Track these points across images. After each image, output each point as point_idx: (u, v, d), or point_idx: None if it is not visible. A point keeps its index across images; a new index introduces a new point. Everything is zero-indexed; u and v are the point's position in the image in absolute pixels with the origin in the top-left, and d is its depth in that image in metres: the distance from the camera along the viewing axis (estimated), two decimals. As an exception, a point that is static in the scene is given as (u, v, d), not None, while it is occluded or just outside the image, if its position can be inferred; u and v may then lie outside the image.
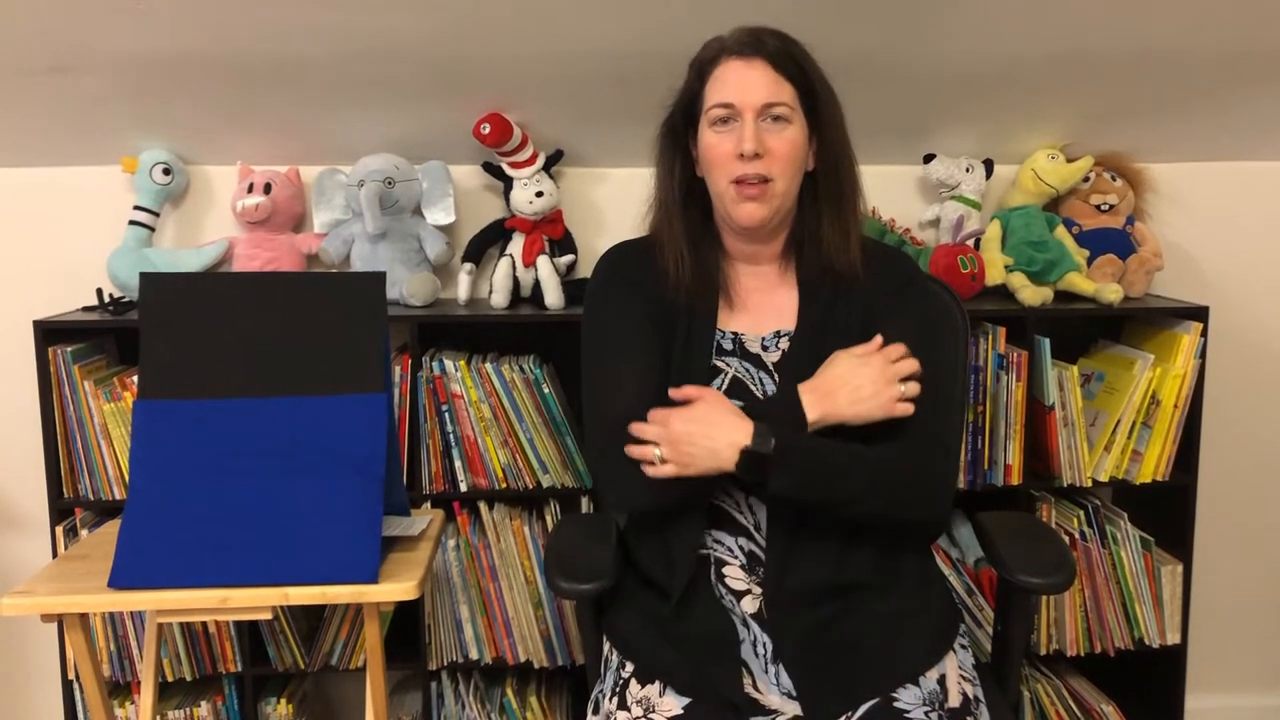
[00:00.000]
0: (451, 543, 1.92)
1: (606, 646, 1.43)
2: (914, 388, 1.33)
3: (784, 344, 1.41)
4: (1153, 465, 1.99)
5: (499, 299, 2.00)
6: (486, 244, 2.07)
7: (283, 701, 2.02)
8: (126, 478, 1.87)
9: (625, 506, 1.42)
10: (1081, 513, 1.98)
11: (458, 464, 1.91)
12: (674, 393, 1.32)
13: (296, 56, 1.80)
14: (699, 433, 1.27)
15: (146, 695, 1.57)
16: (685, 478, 1.27)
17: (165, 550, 1.32)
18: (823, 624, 1.31)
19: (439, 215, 2.04)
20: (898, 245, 2.04)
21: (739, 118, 1.34)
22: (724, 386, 1.38)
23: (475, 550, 1.93)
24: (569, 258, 2.05)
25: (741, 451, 1.25)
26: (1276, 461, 2.31)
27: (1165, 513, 2.05)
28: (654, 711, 1.27)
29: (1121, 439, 1.98)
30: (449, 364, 1.88)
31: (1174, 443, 1.99)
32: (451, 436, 1.90)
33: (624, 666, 1.36)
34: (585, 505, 1.94)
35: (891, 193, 2.16)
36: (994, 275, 2.04)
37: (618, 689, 1.33)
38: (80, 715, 1.96)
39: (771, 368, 1.40)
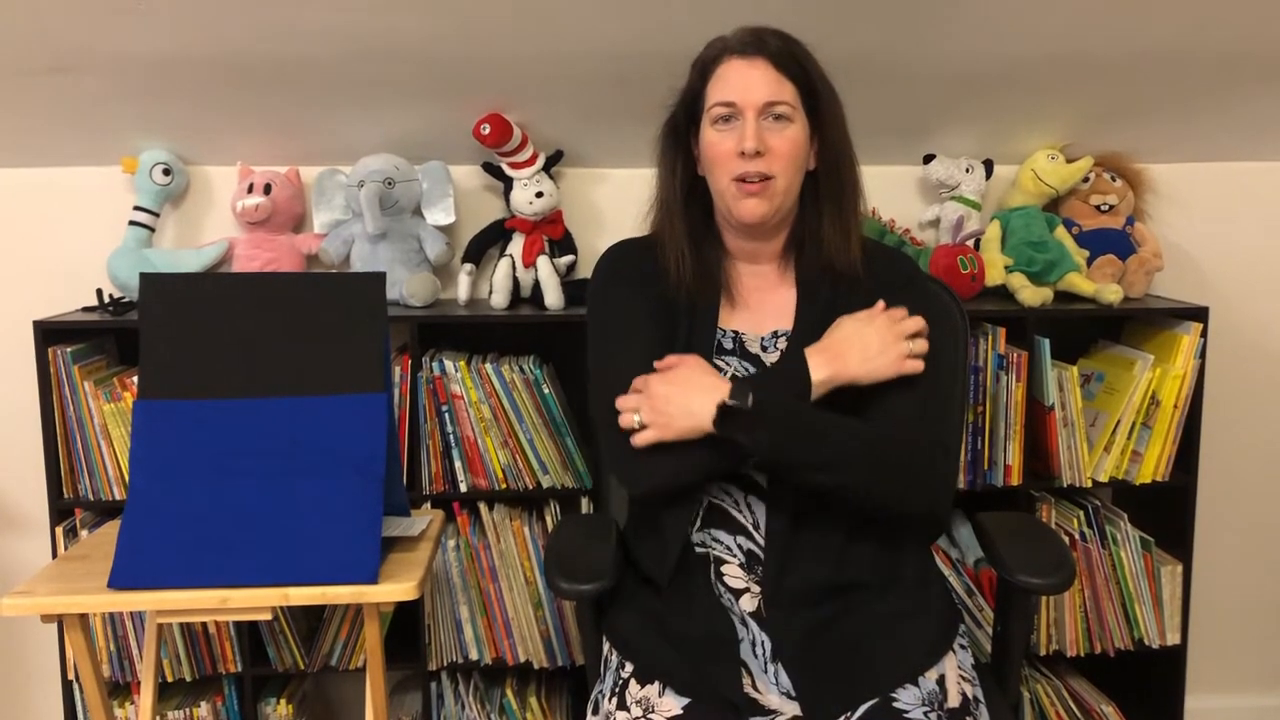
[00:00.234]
0: (451, 543, 1.92)
1: (606, 647, 1.43)
2: (922, 344, 1.34)
3: (782, 344, 1.41)
4: (1152, 465, 1.99)
5: (499, 299, 2.00)
6: (486, 244, 2.07)
7: (282, 702, 2.02)
8: (126, 478, 1.86)
9: (636, 490, 1.40)
10: (1081, 513, 1.98)
11: (458, 464, 1.91)
12: (658, 364, 1.33)
13: (296, 57, 1.81)
14: (677, 393, 1.28)
15: (146, 696, 1.57)
16: (672, 445, 1.27)
17: (165, 550, 1.32)
18: (822, 624, 1.31)
19: (439, 215, 2.04)
20: (898, 245, 2.04)
21: (740, 116, 1.34)
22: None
23: (475, 551, 1.93)
24: (569, 258, 2.06)
25: (719, 407, 1.26)
26: (1276, 461, 2.31)
27: (1165, 513, 2.05)
28: (653, 712, 1.27)
29: (1121, 439, 1.98)
30: (449, 364, 1.88)
31: (1174, 443, 1.99)
32: (451, 437, 1.90)
33: (623, 667, 1.36)
34: (585, 505, 1.94)
35: (891, 193, 2.16)
36: (994, 276, 2.04)
37: (617, 689, 1.33)
38: (80, 716, 1.96)
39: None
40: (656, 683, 1.30)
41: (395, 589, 1.33)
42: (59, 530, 1.90)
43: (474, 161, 2.07)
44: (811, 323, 1.41)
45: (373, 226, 1.95)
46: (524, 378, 1.89)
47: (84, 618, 1.41)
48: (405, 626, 1.96)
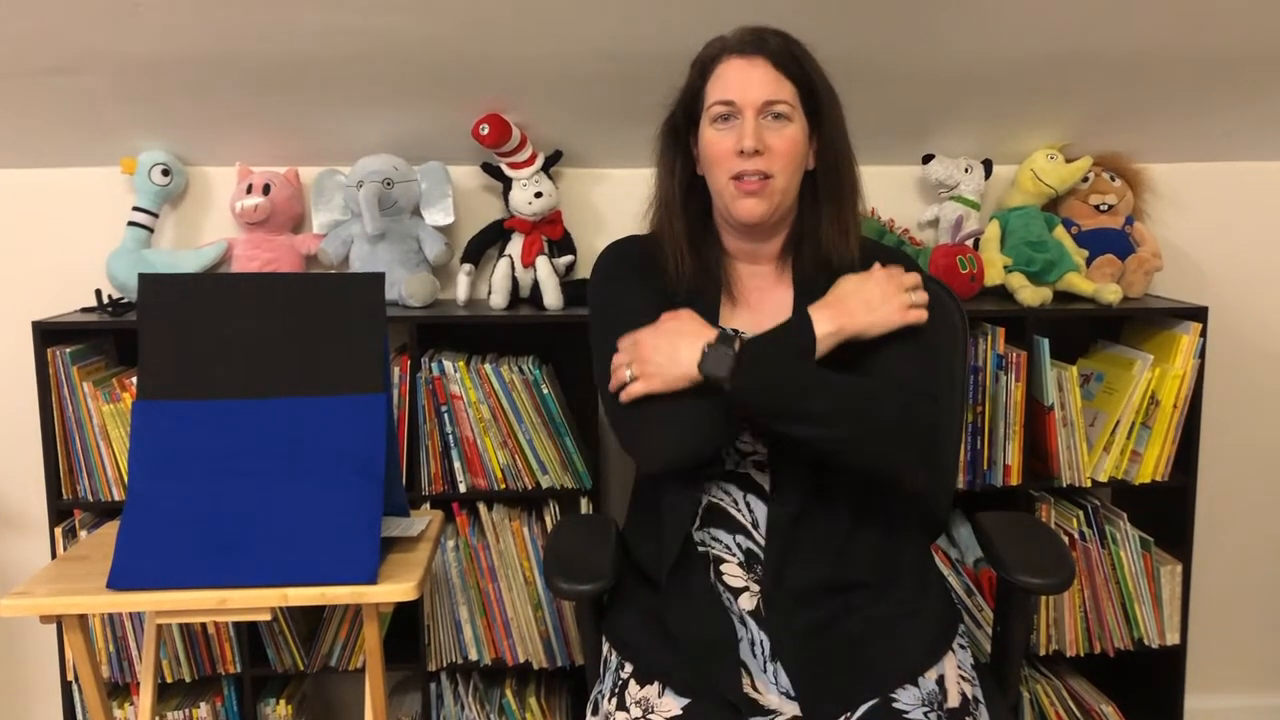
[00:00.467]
0: (451, 543, 1.92)
1: (606, 647, 1.43)
2: (922, 295, 1.35)
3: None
4: (1152, 465, 1.99)
5: (498, 300, 2.00)
6: (485, 245, 2.07)
7: (282, 703, 2.02)
8: (125, 479, 1.87)
9: (652, 464, 1.39)
10: (1081, 513, 1.98)
11: (457, 465, 1.91)
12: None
13: (295, 57, 1.81)
14: (665, 343, 1.30)
15: (146, 696, 1.57)
16: (678, 413, 1.28)
17: (164, 551, 1.32)
18: (822, 623, 1.31)
19: (438, 216, 2.04)
20: (897, 245, 2.04)
21: (740, 115, 1.35)
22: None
23: (474, 551, 1.93)
24: (568, 258, 2.05)
25: (704, 349, 1.26)
26: (1275, 461, 2.31)
27: (1164, 513, 2.05)
28: (653, 712, 1.27)
29: (1121, 439, 1.98)
30: (448, 365, 1.88)
31: (1173, 443, 1.99)
32: (451, 437, 1.90)
33: (623, 667, 1.36)
34: (585, 506, 1.94)
35: (890, 193, 2.16)
36: (993, 275, 2.04)
37: (617, 689, 1.33)
38: (79, 716, 1.96)
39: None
40: (656, 683, 1.30)
41: (394, 589, 1.33)
42: (58, 531, 1.90)
43: (473, 162, 2.07)
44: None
45: (372, 227, 1.95)
46: (523, 378, 1.89)
47: (83, 618, 1.41)
48: (405, 627, 1.96)
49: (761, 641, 1.31)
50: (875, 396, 1.30)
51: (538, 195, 2.00)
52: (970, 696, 1.32)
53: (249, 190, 2.01)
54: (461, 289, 2.01)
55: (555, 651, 1.96)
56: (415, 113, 1.97)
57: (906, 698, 1.26)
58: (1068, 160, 2.10)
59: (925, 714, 1.25)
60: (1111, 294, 2.00)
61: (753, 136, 1.33)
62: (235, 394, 1.40)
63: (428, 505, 1.91)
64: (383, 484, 1.39)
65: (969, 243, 2.07)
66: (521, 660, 1.96)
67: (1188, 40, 1.86)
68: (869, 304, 1.33)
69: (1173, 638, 2.03)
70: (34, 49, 1.76)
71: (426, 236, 2.03)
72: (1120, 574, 1.99)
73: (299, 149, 2.06)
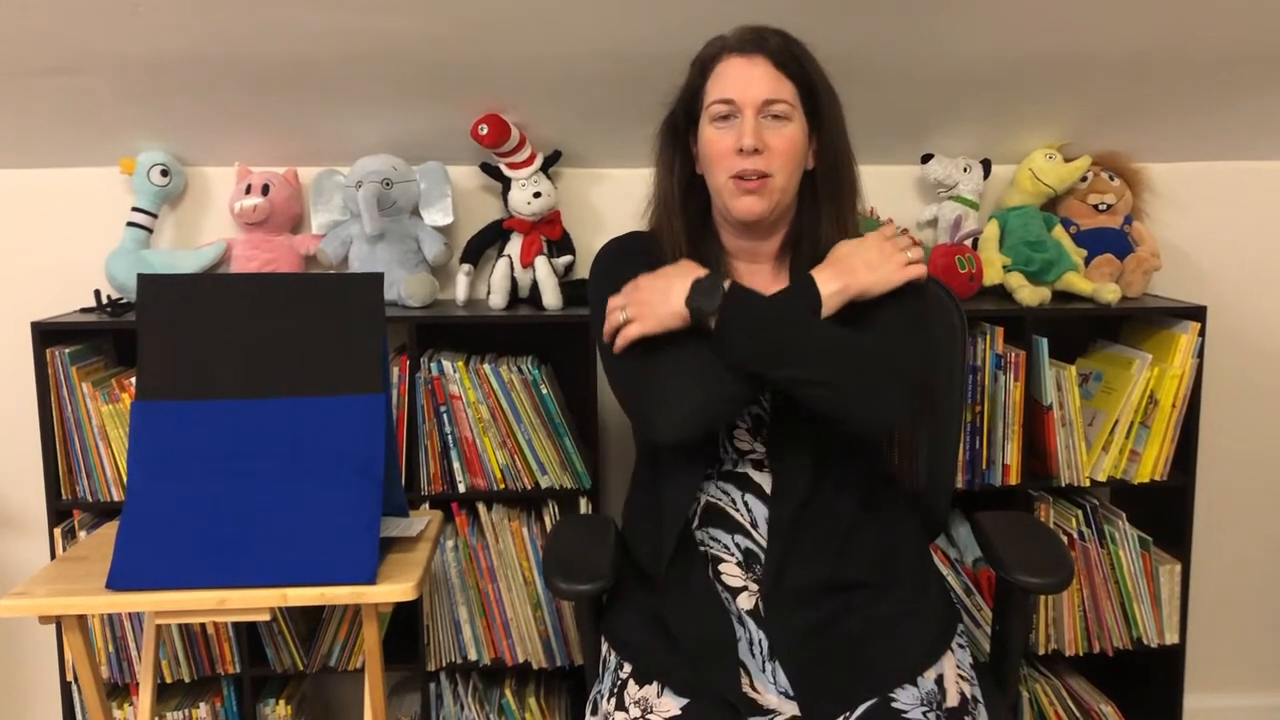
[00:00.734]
0: (450, 543, 1.92)
1: (605, 647, 1.43)
2: (918, 251, 1.36)
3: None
4: (1151, 465, 1.99)
5: (497, 300, 2.00)
6: (484, 245, 2.07)
7: (281, 703, 2.02)
8: (124, 479, 1.86)
9: (667, 429, 1.34)
10: (1080, 512, 1.99)
11: (456, 465, 1.91)
12: None
13: (295, 58, 1.81)
14: (660, 284, 1.32)
15: (145, 697, 1.57)
16: (686, 378, 1.28)
17: (163, 551, 1.32)
18: (821, 623, 1.31)
19: (437, 216, 2.04)
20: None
21: (739, 113, 1.35)
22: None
23: (474, 551, 1.93)
24: (567, 258, 2.05)
25: (692, 284, 1.29)
26: (1275, 460, 2.31)
27: (1163, 512, 2.05)
28: (652, 712, 1.27)
29: (1119, 439, 1.98)
30: (447, 365, 1.88)
31: (1172, 442, 1.99)
32: (450, 437, 1.90)
33: (622, 667, 1.36)
34: (584, 506, 1.94)
35: (889, 192, 2.16)
36: (992, 275, 2.04)
37: (616, 689, 1.33)
38: (79, 717, 1.96)
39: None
40: (655, 683, 1.30)
41: (394, 589, 1.33)
42: (57, 531, 1.90)
43: (472, 162, 2.07)
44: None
45: (371, 227, 1.95)
46: (522, 378, 1.89)
47: (82, 619, 1.41)
48: (404, 627, 1.96)
49: (760, 641, 1.31)
50: (863, 343, 1.31)
51: (536, 195, 2.00)
52: (969, 696, 1.32)
53: (248, 190, 2.01)
54: (460, 289, 2.01)
55: (554, 651, 1.96)
56: (414, 113, 1.97)
57: (905, 697, 1.26)
58: (1066, 160, 2.10)
59: (924, 714, 1.25)
60: (1110, 293, 2.00)
61: (752, 135, 1.33)
62: (234, 394, 1.40)
63: (427, 505, 1.91)
64: (382, 484, 1.39)
65: (968, 242, 2.07)
66: (521, 660, 1.96)
67: (1186, 40, 1.86)
68: (870, 263, 1.34)
69: (1172, 637, 2.03)
70: (34, 49, 1.76)
71: (425, 237, 2.03)
72: (1119, 573, 1.99)
73: (298, 149, 2.06)
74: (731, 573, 1.36)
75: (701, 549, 1.38)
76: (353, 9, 1.69)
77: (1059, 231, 2.09)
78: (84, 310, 2.02)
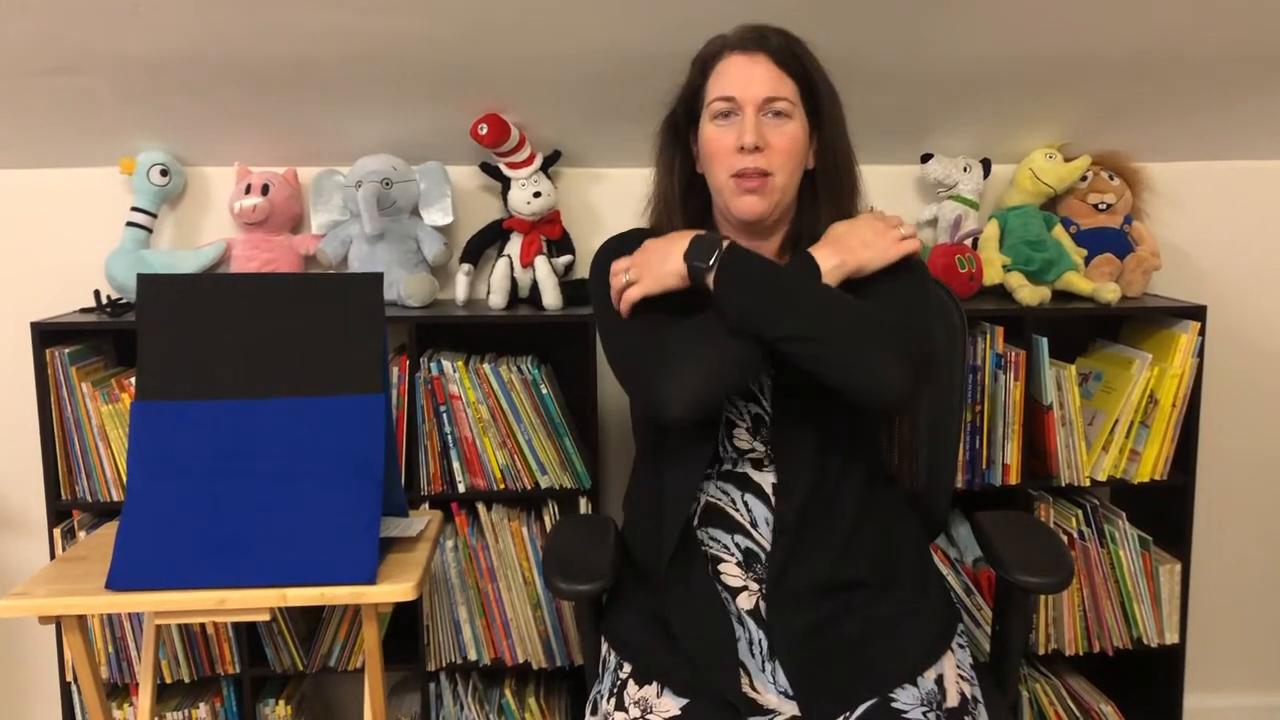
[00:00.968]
0: (450, 543, 1.92)
1: (605, 647, 1.43)
2: (910, 228, 1.38)
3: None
4: (1151, 464, 1.99)
5: (497, 300, 2.00)
6: (484, 244, 2.07)
7: (281, 703, 2.02)
8: (124, 479, 1.86)
9: (677, 403, 1.30)
10: (1080, 512, 1.99)
11: (456, 465, 1.91)
12: None
13: (294, 58, 1.80)
14: (662, 244, 1.35)
15: (145, 697, 1.57)
16: (693, 352, 1.29)
17: (163, 551, 1.32)
18: (821, 623, 1.31)
19: (437, 216, 2.04)
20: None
21: (740, 111, 1.35)
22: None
23: (474, 551, 1.93)
24: (567, 258, 2.05)
25: (691, 241, 1.30)
26: (1274, 460, 2.31)
27: (1163, 512, 2.05)
28: (652, 712, 1.27)
29: (1119, 438, 1.98)
30: (447, 365, 1.88)
31: (1172, 442, 1.99)
32: (449, 437, 1.90)
33: (622, 667, 1.36)
34: (584, 506, 1.94)
35: (889, 192, 2.16)
36: (992, 275, 2.04)
37: (616, 690, 1.33)
38: (78, 717, 1.96)
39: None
40: (655, 683, 1.30)
41: (393, 589, 1.33)
42: (57, 532, 1.90)
43: (471, 162, 2.07)
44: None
45: (370, 227, 1.95)
46: (522, 378, 1.89)
47: (82, 619, 1.41)
48: (404, 627, 1.96)
49: (760, 641, 1.31)
50: (863, 306, 1.30)
51: (536, 195, 2.00)
52: (969, 696, 1.32)
53: (248, 190, 2.01)
54: (460, 289, 2.01)
55: (554, 651, 1.96)
56: (414, 113, 1.97)
57: (905, 697, 1.26)
58: (1066, 159, 2.10)
59: (924, 714, 1.25)
60: (1110, 293, 2.00)
61: (753, 133, 1.33)
62: (234, 394, 1.40)
63: (427, 505, 1.91)
64: (382, 484, 1.39)
65: (968, 242, 2.07)
66: (521, 660, 1.96)
67: (1186, 39, 1.86)
68: (865, 241, 1.35)
69: (1171, 637, 2.03)
70: (34, 49, 1.76)
71: (425, 236, 2.03)
72: (1119, 573, 1.99)
73: (298, 149, 2.06)
74: (731, 573, 1.36)
75: (702, 549, 1.38)
76: (353, 9, 1.69)
77: (1059, 231, 2.09)
78: (84, 310, 2.02)
